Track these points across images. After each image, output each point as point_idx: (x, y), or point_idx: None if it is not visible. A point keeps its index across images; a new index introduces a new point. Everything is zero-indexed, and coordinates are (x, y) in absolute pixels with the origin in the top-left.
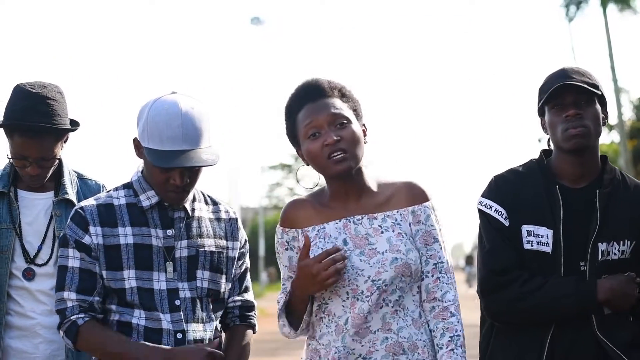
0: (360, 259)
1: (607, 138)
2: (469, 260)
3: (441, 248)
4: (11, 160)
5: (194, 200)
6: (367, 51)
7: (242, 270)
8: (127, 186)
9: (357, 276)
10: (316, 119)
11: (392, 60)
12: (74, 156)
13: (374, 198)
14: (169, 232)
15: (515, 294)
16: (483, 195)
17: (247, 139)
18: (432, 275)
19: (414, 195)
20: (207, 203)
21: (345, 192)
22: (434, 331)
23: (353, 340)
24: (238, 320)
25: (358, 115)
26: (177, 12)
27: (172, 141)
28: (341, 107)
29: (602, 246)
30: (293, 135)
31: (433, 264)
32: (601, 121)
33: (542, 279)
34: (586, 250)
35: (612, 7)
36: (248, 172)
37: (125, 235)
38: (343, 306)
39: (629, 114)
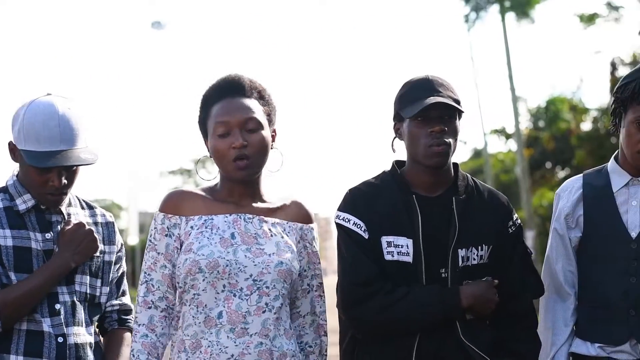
0: (246, 256)
1: (505, 147)
2: None
3: (321, 270)
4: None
5: (69, 204)
6: (267, 54)
7: (119, 274)
8: (3, 190)
9: (238, 272)
10: (229, 119)
11: (291, 63)
12: None
13: (265, 204)
14: (48, 235)
15: (379, 305)
16: (340, 209)
17: (147, 143)
18: (316, 291)
19: (302, 214)
20: (82, 207)
21: (240, 193)
22: (312, 346)
23: (228, 337)
24: (116, 324)
25: (271, 121)
26: (78, 15)
27: (50, 141)
28: (256, 110)
29: (461, 252)
30: (204, 124)
31: (318, 282)
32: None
33: (405, 289)
34: (446, 257)
35: (510, 16)
36: (147, 176)
37: (5, 237)
38: (216, 298)
39: (526, 123)
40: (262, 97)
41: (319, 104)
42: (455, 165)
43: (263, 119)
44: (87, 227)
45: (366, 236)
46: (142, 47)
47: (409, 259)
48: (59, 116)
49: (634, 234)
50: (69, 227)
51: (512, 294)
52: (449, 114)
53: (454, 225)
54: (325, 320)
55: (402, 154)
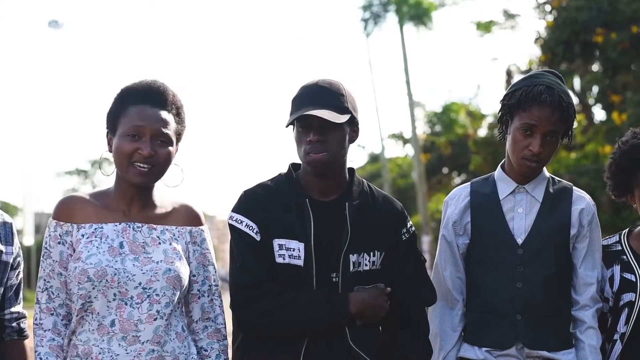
0: (134, 265)
1: (402, 151)
2: None
3: (215, 272)
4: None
5: None
6: (167, 54)
7: (18, 281)
8: None
9: (127, 280)
10: (144, 126)
11: (192, 64)
12: None
13: (155, 210)
14: None
15: (265, 308)
16: (233, 210)
17: (43, 143)
18: (208, 296)
19: (191, 217)
20: None
21: (131, 198)
22: (207, 350)
23: (119, 345)
24: (16, 335)
25: (179, 139)
26: None
27: None
28: (171, 127)
29: (353, 257)
30: (114, 120)
31: (208, 285)
32: (347, 142)
33: (293, 293)
34: (338, 262)
35: (408, 23)
36: (43, 177)
37: None
38: (108, 307)
39: (423, 128)
40: (179, 114)
41: (220, 106)
42: (351, 170)
43: (174, 136)
44: None
45: (258, 238)
46: (39, 46)
47: (300, 262)
48: None
49: (519, 240)
50: None
51: (404, 302)
52: (331, 123)
53: (346, 230)
54: (223, 324)
55: None
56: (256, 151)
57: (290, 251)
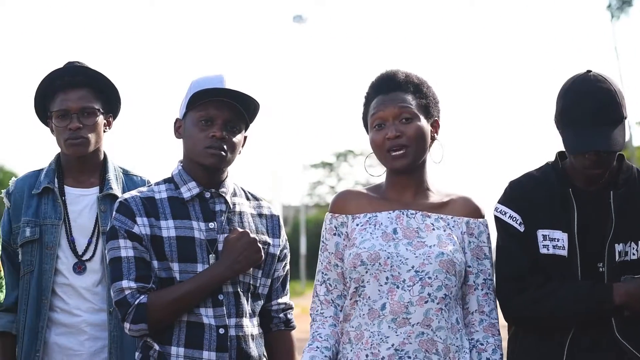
0: (407, 249)
1: None
2: None
3: (491, 265)
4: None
5: (234, 195)
6: (408, 50)
7: (285, 272)
8: (168, 180)
9: (400, 264)
10: (382, 111)
11: (434, 62)
12: (121, 153)
13: (429, 198)
14: (211, 225)
15: (530, 299)
16: (499, 202)
17: (289, 137)
18: (482, 290)
19: (470, 208)
20: (248, 199)
21: (402, 186)
22: (483, 344)
23: (389, 327)
24: (283, 325)
25: (429, 113)
26: (221, 10)
27: (212, 80)
28: (411, 102)
29: (619, 247)
30: (365, 121)
31: (483, 279)
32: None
33: (556, 284)
34: (603, 251)
35: None
36: (290, 170)
37: (168, 228)
38: (379, 290)
39: None
40: (418, 90)
41: (463, 100)
42: (620, 156)
43: (418, 110)
44: (252, 236)
45: (521, 229)
46: (284, 41)
47: (564, 252)
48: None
49: None
50: (233, 235)
51: None
52: None
53: (611, 220)
54: (497, 319)
55: None
56: (498, 148)
57: (554, 241)
